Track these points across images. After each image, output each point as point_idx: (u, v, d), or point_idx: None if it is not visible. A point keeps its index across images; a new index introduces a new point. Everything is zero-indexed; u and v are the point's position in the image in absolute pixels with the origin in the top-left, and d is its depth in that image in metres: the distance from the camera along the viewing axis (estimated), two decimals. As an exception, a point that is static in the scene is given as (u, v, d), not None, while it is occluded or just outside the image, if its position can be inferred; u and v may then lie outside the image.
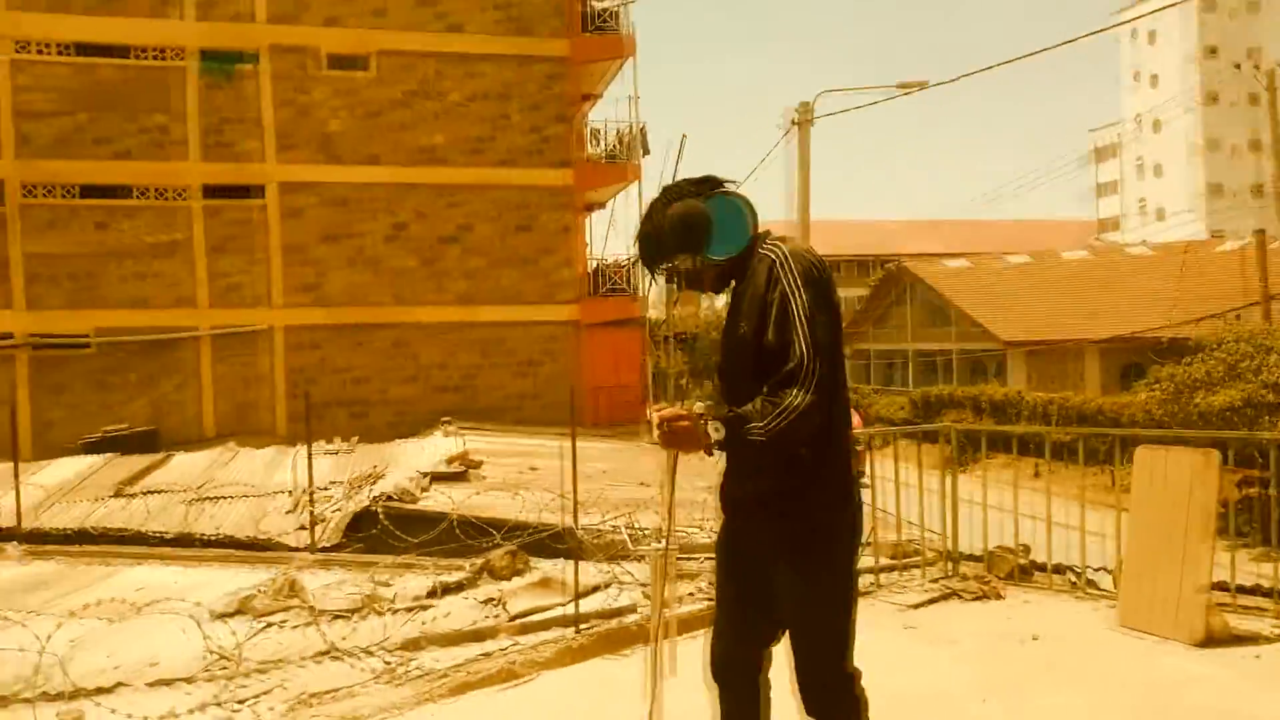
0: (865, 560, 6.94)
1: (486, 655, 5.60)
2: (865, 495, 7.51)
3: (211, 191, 19.45)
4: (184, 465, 14.42)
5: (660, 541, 3.22)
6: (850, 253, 57.61)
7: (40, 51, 18.73)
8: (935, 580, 6.86)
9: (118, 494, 11.88)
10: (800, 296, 2.78)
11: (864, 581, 6.73)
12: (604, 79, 23.33)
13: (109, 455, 15.31)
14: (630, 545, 7.81)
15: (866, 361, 42.64)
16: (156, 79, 19.15)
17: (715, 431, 2.71)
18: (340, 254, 19.85)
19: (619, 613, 6.12)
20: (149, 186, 19.25)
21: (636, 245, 3.04)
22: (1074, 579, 6.66)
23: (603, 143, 22.73)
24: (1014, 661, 5.23)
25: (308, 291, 19.75)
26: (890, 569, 7.03)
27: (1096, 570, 6.76)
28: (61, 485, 12.68)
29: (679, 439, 2.78)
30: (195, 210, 19.38)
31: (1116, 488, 6.56)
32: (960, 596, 6.55)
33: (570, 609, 6.11)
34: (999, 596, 6.50)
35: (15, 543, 9.33)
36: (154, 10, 19.08)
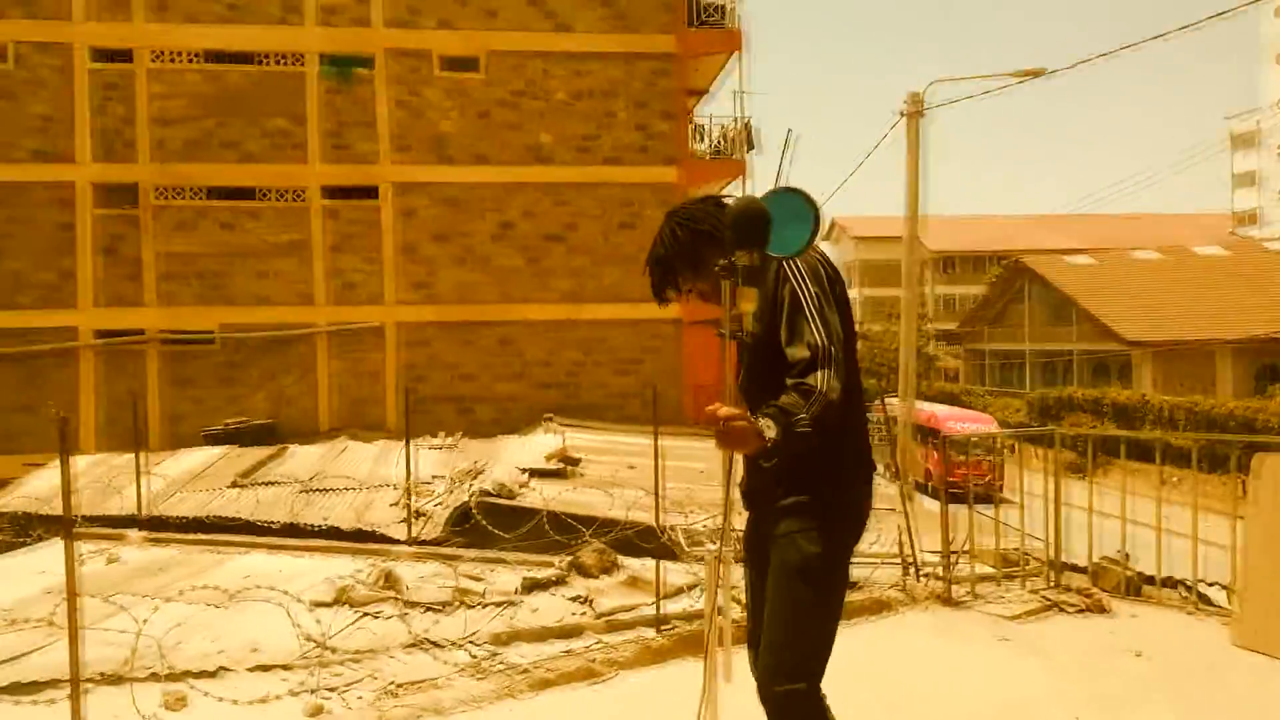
0: (961, 570, 6.73)
1: (570, 653, 5.63)
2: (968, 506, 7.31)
3: (330, 193, 20.05)
4: (299, 458, 14.92)
5: (721, 545, 3.16)
6: (967, 249, 56.04)
7: (172, 60, 19.65)
8: (1036, 591, 6.60)
9: (233, 485, 12.38)
10: (809, 290, 2.86)
11: (958, 591, 6.53)
12: (713, 75, 23.20)
13: (229, 447, 15.97)
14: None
15: (982, 362, 41.42)
16: (280, 84, 19.86)
17: (768, 429, 2.65)
18: (450, 253, 20.23)
19: (702, 614, 6.07)
20: (272, 188, 19.95)
21: (647, 270, 3.07)
22: (1186, 593, 6.32)
23: (709, 139, 22.62)
24: (1111, 677, 4.99)
25: (419, 289, 20.21)
26: (988, 579, 6.79)
27: (1212, 585, 6.41)
28: (183, 476, 13.29)
29: (735, 439, 2.72)
30: (315, 211, 20.03)
31: (1239, 498, 6.20)
32: (1062, 609, 6.28)
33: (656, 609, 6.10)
34: (1104, 610, 6.22)
35: (137, 529, 9.82)
36: (279, 18, 19.84)
